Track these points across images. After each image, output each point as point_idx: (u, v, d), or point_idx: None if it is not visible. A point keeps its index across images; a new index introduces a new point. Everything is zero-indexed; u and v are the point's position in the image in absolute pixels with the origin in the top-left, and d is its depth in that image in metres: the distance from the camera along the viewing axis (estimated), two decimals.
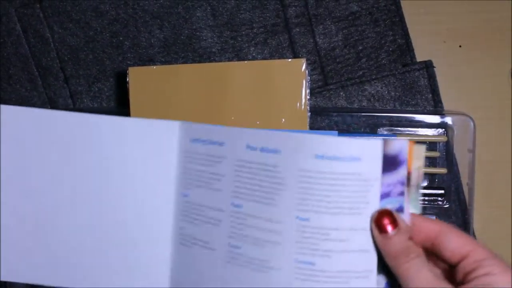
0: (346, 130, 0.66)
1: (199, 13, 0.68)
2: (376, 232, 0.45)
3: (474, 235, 0.66)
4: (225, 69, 0.63)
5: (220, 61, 0.68)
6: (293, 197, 0.47)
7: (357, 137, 0.50)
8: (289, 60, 0.63)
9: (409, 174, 0.46)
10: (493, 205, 0.68)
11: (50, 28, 0.69)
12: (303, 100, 0.62)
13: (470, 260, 0.44)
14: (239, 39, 0.68)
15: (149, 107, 0.63)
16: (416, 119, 0.65)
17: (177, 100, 0.63)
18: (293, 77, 0.62)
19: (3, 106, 0.53)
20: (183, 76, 0.63)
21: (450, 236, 0.46)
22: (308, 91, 0.63)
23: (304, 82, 0.62)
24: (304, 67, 0.62)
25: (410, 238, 0.45)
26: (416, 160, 0.47)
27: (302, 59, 0.63)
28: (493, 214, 0.68)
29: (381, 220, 0.45)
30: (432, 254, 0.47)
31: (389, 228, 0.45)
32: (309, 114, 0.63)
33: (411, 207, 0.47)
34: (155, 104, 0.63)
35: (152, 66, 0.64)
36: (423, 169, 0.47)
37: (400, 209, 0.46)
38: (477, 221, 0.66)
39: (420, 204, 0.49)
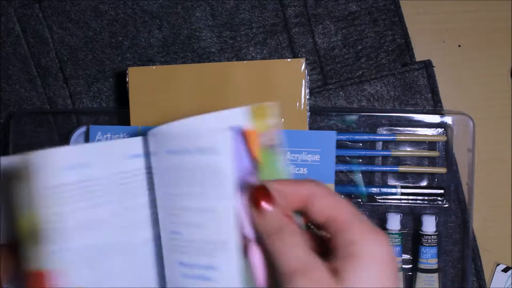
0: (345, 130, 0.66)
1: (198, 13, 0.68)
2: (251, 208, 0.42)
3: (473, 235, 0.66)
4: (225, 69, 0.63)
5: (220, 61, 0.68)
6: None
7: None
8: (289, 60, 0.63)
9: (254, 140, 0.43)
10: (493, 205, 0.68)
11: (49, 28, 0.69)
12: (303, 100, 0.62)
13: (332, 224, 0.40)
14: (238, 39, 0.68)
15: (149, 107, 0.63)
16: (416, 118, 0.65)
17: (176, 100, 0.63)
18: (292, 77, 0.62)
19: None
20: (182, 76, 0.63)
21: (319, 198, 0.42)
22: (307, 91, 0.63)
23: (303, 82, 0.62)
24: (303, 67, 0.62)
25: (286, 214, 0.41)
26: (264, 121, 0.44)
27: (301, 59, 0.63)
28: (493, 213, 0.68)
29: (256, 195, 0.42)
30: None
31: (264, 204, 0.41)
32: (308, 114, 0.63)
33: (277, 172, 0.44)
34: (155, 104, 0.63)
35: (151, 66, 0.64)
36: (279, 127, 0.44)
37: None
38: (476, 220, 0.66)
39: (287, 166, 0.44)
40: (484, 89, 0.69)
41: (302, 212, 0.43)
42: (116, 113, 0.67)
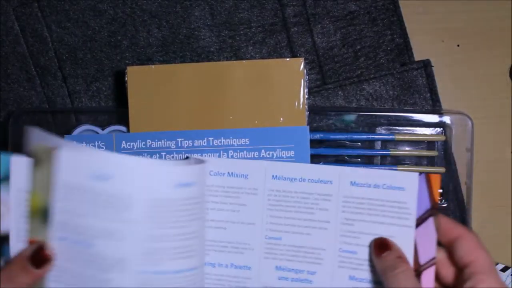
0: (344, 129, 0.66)
1: (197, 12, 0.68)
2: (373, 252, 0.54)
3: None
4: (224, 69, 0.63)
5: (218, 60, 0.68)
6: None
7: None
8: (287, 59, 0.63)
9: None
10: (492, 204, 0.68)
11: (48, 27, 0.69)
12: (301, 100, 0.62)
13: (468, 270, 0.49)
14: (237, 38, 0.68)
15: (148, 107, 0.63)
16: (414, 118, 0.65)
17: (175, 99, 0.63)
18: (291, 76, 0.62)
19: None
20: (181, 75, 0.63)
21: (463, 242, 0.51)
22: (306, 90, 0.63)
23: (302, 81, 0.62)
24: (302, 66, 0.62)
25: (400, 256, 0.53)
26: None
27: (300, 58, 0.63)
28: (492, 213, 0.68)
29: (377, 244, 0.54)
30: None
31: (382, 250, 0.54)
32: (307, 113, 0.63)
33: None
34: (154, 103, 0.63)
35: (150, 66, 0.64)
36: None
37: None
38: (475, 220, 0.66)
39: None
40: (483, 88, 0.69)
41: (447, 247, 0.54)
42: (115, 112, 0.67)
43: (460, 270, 0.51)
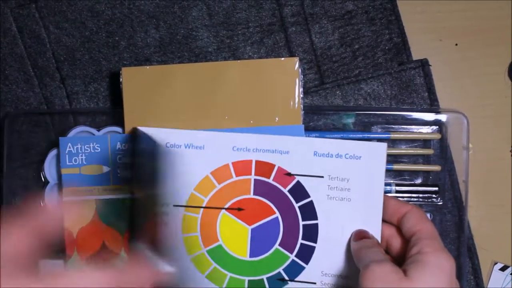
0: (342, 128, 0.66)
1: (195, 12, 0.68)
2: (353, 237, 0.59)
3: (470, 233, 0.66)
4: (218, 68, 0.63)
5: (216, 60, 0.68)
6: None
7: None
8: (282, 59, 0.63)
9: None
10: (491, 203, 0.68)
11: (46, 28, 0.69)
12: (297, 99, 0.62)
13: (414, 237, 0.53)
14: (235, 38, 0.69)
15: (143, 107, 0.63)
16: (411, 117, 0.65)
17: (171, 100, 0.63)
18: (286, 76, 0.63)
19: None
20: (176, 76, 0.63)
21: (409, 216, 0.55)
22: (301, 89, 0.63)
23: (297, 80, 0.62)
24: (297, 65, 0.62)
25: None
26: None
27: (295, 57, 0.63)
28: (489, 211, 0.68)
29: (358, 232, 0.59)
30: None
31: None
32: (302, 112, 0.63)
33: None
34: (149, 104, 0.63)
35: (145, 66, 0.64)
36: None
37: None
38: (473, 218, 0.66)
39: None
40: (481, 87, 0.69)
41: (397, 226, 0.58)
42: (113, 113, 0.67)
43: (408, 240, 0.55)
